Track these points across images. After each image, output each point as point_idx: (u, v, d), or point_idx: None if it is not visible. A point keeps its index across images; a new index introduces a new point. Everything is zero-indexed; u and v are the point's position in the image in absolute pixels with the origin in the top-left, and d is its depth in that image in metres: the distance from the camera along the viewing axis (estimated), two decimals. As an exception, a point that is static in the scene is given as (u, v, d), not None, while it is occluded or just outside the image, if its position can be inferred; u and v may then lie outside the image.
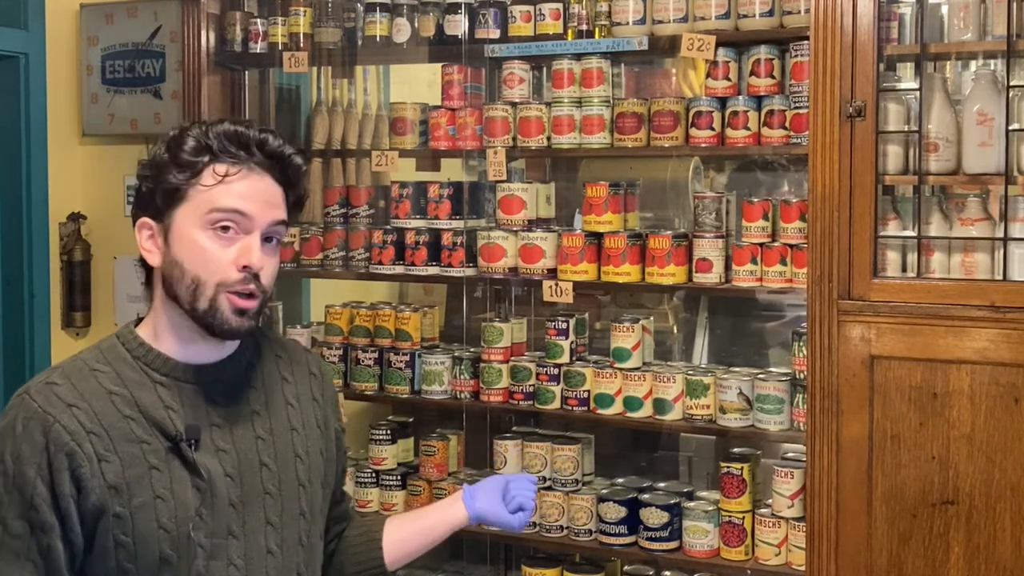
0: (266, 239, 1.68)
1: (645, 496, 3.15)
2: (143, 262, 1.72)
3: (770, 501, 3.02)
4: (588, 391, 3.21)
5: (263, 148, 1.68)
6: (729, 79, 3.07)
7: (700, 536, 3.06)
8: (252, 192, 1.66)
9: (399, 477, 3.46)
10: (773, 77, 3.03)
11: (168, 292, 1.68)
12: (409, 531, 1.97)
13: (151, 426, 1.64)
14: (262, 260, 1.65)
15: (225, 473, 1.67)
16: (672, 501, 3.11)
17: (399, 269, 3.49)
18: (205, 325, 1.65)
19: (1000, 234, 2.66)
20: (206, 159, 1.65)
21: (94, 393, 1.64)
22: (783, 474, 2.96)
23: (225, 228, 1.64)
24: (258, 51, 3.61)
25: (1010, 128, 2.62)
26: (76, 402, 1.62)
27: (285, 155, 1.70)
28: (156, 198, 1.67)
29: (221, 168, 1.65)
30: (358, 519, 2.02)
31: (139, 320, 1.76)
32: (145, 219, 1.69)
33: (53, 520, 1.58)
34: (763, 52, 3.04)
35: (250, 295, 1.65)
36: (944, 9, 2.78)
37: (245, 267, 1.64)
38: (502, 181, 3.32)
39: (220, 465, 1.67)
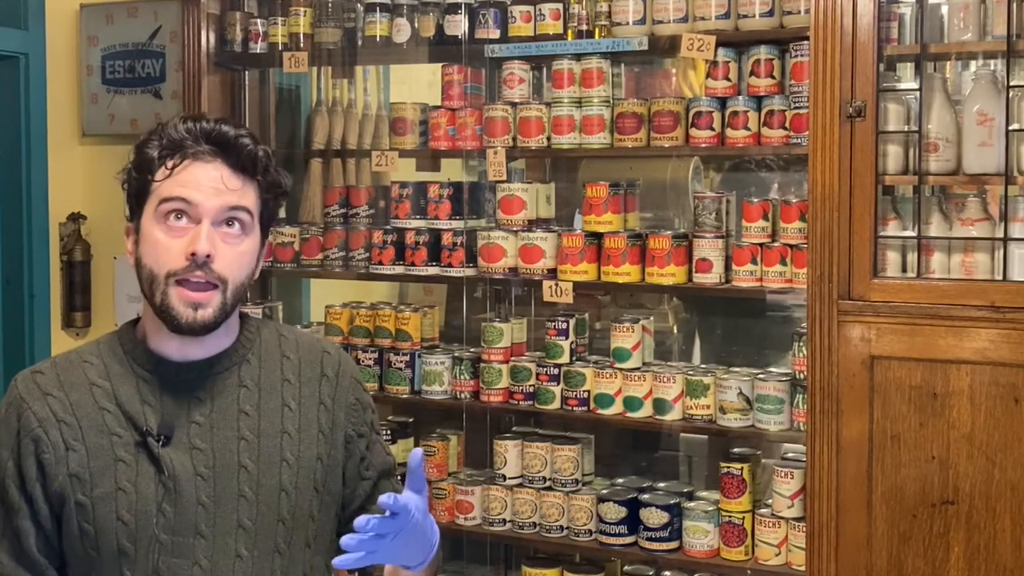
0: (228, 226, 1.68)
1: (645, 496, 3.15)
2: None
3: (770, 501, 3.02)
4: (588, 391, 3.21)
5: (209, 136, 1.69)
6: (729, 79, 3.07)
7: (700, 536, 3.06)
8: (198, 180, 1.66)
9: (399, 478, 3.45)
10: (773, 77, 3.03)
11: (142, 291, 1.71)
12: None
13: (125, 419, 1.67)
14: (212, 247, 1.64)
15: (196, 472, 1.67)
16: (672, 501, 3.11)
17: (399, 269, 3.49)
18: (164, 320, 1.66)
19: (1000, 234, 2.66)
20: (157, 156, 1.68)
21: (75, 383, 1.69)
22: (783, 474, 2.95)
23: (178, 219, 1.65)
24: (258, 51, 3.60)
25: (1010, 128, 2.62)
26: (53, 391, 1.68)
27: (230, 138, 1.69)
28: (130, 202, 1.72)
29: (170, 162, 1.67)
30: None
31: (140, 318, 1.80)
32: (128, 224, 1.74)
33: (21, 502, 1.66)
34: (763, 52, 3.04)
35: (207, 285, 1.65)
36: (944, 9, 2.78)
37: (193, 254, 1.63)
38: (502, 181, 3.32)
39: (192, 463, 1.67)
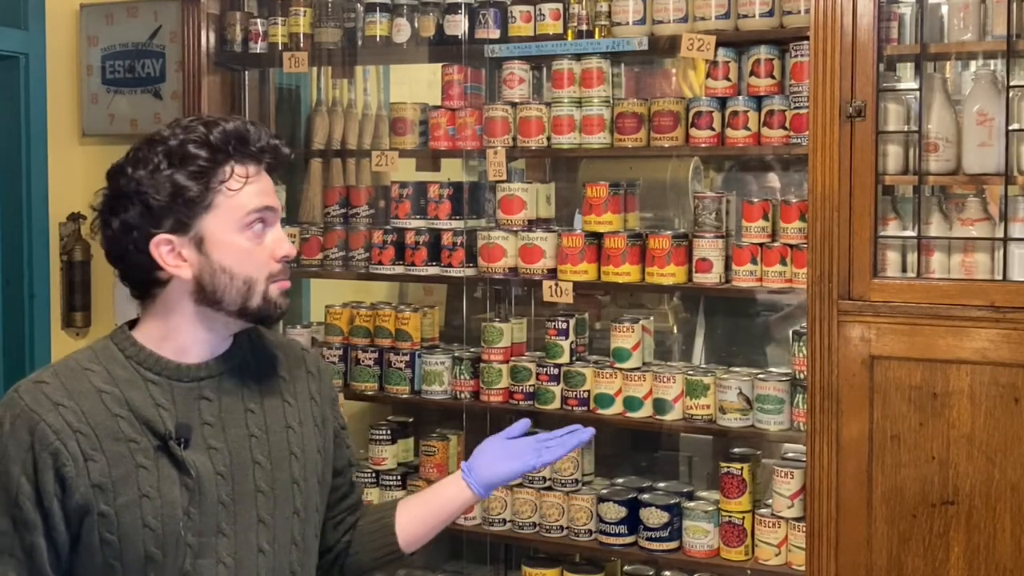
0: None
1: (645, 496, 3.15)
2: (126, 276, 1.73)
3: (770, 501, 3.02)
4: (588, 391, 3.21)
5: (260, 144, 1.73)
6: (729, 79, 3.08)
7: (700, 536, 3.06)
8: (268, 187, 1.75)
9: (399, 477, 3.46)
10: (773, 77, 3.03)
11: (203, 299, 1.69)
12: (418, 513, 1.98)
13: (140, 424, 1.66)
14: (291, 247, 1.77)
15: (216, 471, 1.68)
16: (672, 501, 3.11)
17: (399, 269, 3.49)
18: (260, 317, 1.73)
19: (1000, 234, 2.66)
20: (222, 164, 1.68)
21: (83, 392, 1.66)
22: (783, 474, 2.96)
23: (257, 226, 1.71)
24: (258, 51, 3.60)
25: (1010, 128, 2.62)
26: (63, 401, 1.64)
27: (279, 149, 1.77)
28: (173, 212, 1.66)
29: (241, 170, 1.70)
30: (370, 508, 2.04)
31: (132, 323, 1.77)
32: (161, 236, 1.67)
33: (36, 518, 1.61)
34: (763, 52, 3.04)
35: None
36: (944, 9, 2.78)
37: (284, 256, 1.73)
38: (502, 181, 3.32)
39: (211, 463, 1.68)
